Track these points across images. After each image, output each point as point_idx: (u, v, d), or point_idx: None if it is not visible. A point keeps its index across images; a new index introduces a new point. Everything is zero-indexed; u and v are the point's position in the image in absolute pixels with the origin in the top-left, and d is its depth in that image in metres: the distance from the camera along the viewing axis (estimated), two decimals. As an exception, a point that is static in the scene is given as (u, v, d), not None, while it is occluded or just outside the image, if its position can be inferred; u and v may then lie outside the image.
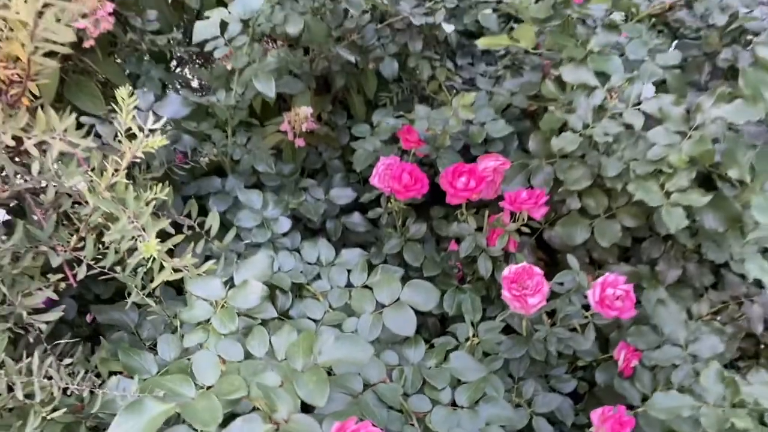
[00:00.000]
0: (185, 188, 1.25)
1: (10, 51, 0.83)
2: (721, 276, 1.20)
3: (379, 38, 1.41)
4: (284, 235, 1.08)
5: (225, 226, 1.12)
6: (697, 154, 0.96)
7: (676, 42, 1.32)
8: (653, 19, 1.29)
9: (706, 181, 1.06)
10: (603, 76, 1.04)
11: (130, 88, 0.85)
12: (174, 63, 1.67)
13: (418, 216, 1.22)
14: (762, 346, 1.27)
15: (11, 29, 0.79)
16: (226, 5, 1.37)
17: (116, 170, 0.83)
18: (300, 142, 1.32)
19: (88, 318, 1.19)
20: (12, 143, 0.80)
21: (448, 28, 1.43)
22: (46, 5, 0.72)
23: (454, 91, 1.52)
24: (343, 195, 1.24)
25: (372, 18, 1.41)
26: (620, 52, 1.10)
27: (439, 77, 1.47)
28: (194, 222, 0.99)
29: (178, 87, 1.49)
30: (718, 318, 1.15)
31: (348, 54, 1.29)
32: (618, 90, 1.02)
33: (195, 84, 1.89)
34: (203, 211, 1.20)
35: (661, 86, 1.10)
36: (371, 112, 1.44)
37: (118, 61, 1.38)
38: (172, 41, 1.42)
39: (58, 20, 0.79)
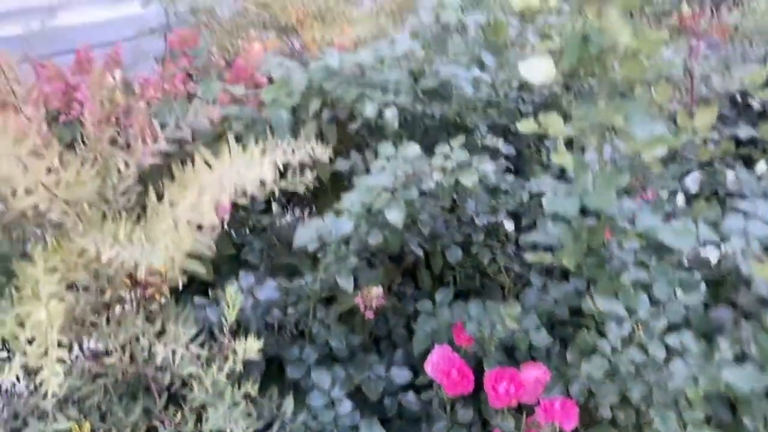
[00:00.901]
0: (267, 350, 1.48)
1: (155, 268, 1.09)
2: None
3: (447, 228, 1.63)
4: (345, 415, 1.28)
5: (297, 390, 1.33)
6: (711, 391, 1.09)
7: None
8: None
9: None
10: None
11: (234, 285, 1.11)
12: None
13: (467, 401, 1.38)
14: None
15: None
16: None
17: (220, 369, 1.05)
18: (370, 315, 1.52)
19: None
20: (147, 344, 1.04)
21: (509, 225, 1.63)
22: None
23: (512, 273, 1.71)
24: (401, 375, 1.42)
25: (442, 210, 1.63)
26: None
27: (498, 262, 1.66)
28: (274, 408, 1.20)
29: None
30: None
31: (418, 249, 1.51)
32: (644, 323, 1.17)
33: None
34: (280, 370, 1.42)
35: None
36: (437, 285, 1.63)
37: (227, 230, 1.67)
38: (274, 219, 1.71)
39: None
